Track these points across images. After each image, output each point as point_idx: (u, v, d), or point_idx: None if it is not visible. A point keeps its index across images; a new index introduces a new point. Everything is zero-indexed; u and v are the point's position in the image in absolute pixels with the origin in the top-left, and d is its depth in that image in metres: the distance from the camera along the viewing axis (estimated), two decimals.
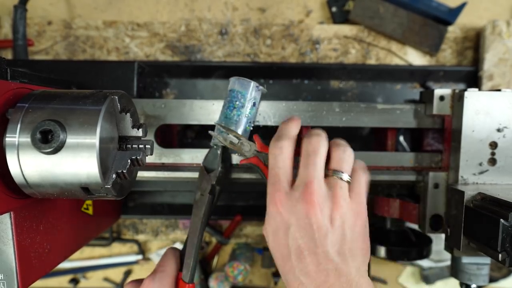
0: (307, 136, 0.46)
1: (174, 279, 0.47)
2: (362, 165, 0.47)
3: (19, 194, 0.40)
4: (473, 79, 0.75)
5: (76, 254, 0.84)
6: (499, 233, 0.41)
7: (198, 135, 0.76)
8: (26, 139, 0.37)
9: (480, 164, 0.53)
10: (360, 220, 0.43)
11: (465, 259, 0.55)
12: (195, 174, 0.58)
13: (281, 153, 0.45)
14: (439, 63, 0.77)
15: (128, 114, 0.43)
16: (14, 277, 0.42)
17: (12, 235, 0.41)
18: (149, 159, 0.58)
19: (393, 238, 0.65)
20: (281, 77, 0.76)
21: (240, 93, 0.52)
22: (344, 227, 0.42)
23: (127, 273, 0.86)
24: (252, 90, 0.52)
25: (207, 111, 0.58)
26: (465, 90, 0.53)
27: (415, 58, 0.77)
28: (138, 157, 0.41)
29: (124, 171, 0.40)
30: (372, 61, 0.77)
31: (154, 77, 0.75)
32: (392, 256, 0.63)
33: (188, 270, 0.47)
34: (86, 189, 0.39)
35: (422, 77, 0.75)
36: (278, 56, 0.77)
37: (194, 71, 0.74)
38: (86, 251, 0.85)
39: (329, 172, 0.44)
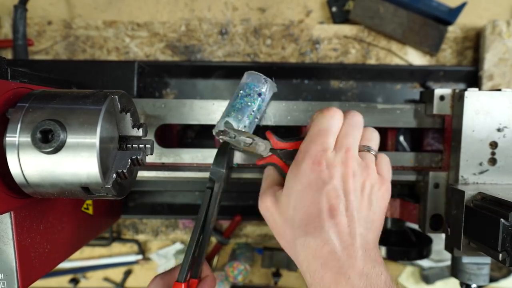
0: (349, 112, 0.49)
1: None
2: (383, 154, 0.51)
3: (19, 194, 0.40)
4: (473, 79, 0.75)
5: (76, 254, 0.84)
6: (499, 233, 0.41)
7: (198, 135, 0.76)
8: (26, 138, 0.37)
9: (480, 164, 0.53)
10: (385, 197, 0.46)
11: (465, 259, 0.55)
12: (195, 174, 0.58)
13: (334, 117, 0.47)
14: (439, 63, 0.77)
15: (128, 114, 0.43)
16: (14, 277, 0.42)
17: (12, 235, 0.41)
18: (149, 159, 0.58)
19: (393, 238, 0.65)
20: (281, 77, 0.76)
21: (247, 84, 0.52)
22: (372, 197, 0.44)
23: (127, 273, 0.86)
24: (258, 81, 0.52)
25: (207, 111, 0.58)
26: (465, 90, 0.53)
27: (415, 58, 0.77)
28: (138, 157, 0.41)
29: (124, 170, 0.40)
30: (372, 61, 0.77)
31: (154, 77, 0.75)
32: (392, 256, 0.63)
33: (182, 270, 0.47)
34: (86, 188, 0.39)
35: (422, 77, 0.75)
36: (278, 56, 0.77)
37: (194, 71, 0.74)
38: (86, 251, 0.85)
39: (361, 147, 0.47)
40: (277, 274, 0.83)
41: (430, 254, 0.64)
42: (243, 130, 0.51)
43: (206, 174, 0.58)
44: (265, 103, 0.53)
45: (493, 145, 0.53)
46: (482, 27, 0.74)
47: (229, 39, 0.77)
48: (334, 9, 0.78)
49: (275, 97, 0.75)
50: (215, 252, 0.83)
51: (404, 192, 0.66)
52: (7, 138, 0.37)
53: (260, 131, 0.74)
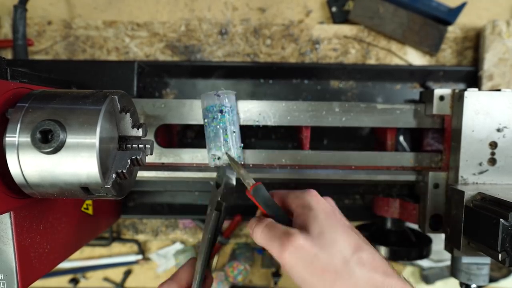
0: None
1: None
2: None
3: (19, 194, 0.40)
4: (473, 79, 0.75)
5: (76, 254, 0.84)
6: (499, 233, 0.41)
7: (198, 135, 0.76)
8: (26, 139, 0.37)
9: (480, 164, 0.53)
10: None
11: (465, 259, 0.55)
12: (195, 174, 0.58)
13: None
14: (439, 63, 0.77)
15: (128, 114, 0.43)
16: (14, 277, 0.42)
17: (12, 235, 0.41)
18: (149, 159, 0.58)
19: (393, 238, 0.65)
20: (281, 77, 0.76)
21: (206, 109, 0.54)
22: None
23: (127, 273, 0.86)
24: (213, 100, 0.53)
25: None
26: (465, 90, 0.53)
27: (415, 58, 0.77)
28: (138, 157, 0.41)
29: (124, 171, 0.40)
30: (372, 61, 0.77)
31: (154, 77, 0.75)
32: (392, 256, 0.63)
33: (194, 284, 0.47)
34: (86, 189, 0.39)
35: (422, 77, 0.75)
36: (278, 56, 0.77)
37: (194, 71, 0.74)
38: (86, 251, 0.85)
39: None
40: (277, 274, 0.83)
41: (430, 254, 0.64)
42: (228, 149, 0.53)
43: (206, 174, 0.58)
44: (233, 113, 0.54)
45: (493, 145, 0.53)
46: (482, 27, 0.74)
47: (229, 39, 0.77)
48: (334, 9, 0.78)
49: (275, 97, 0.76)
50: (215, 252, 0.83)
51: (404, 192, 0.66)
52: (6, 138, 0.37)
53: (261, 131, 0.74)
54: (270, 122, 0.58)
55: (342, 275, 0.38)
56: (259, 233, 0.45)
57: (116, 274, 0.86)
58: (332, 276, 0.38)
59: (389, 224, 0.66)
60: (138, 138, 0.44)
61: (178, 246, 0.83)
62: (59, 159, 0.37)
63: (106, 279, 0.86)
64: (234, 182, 0.51)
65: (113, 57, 0.76)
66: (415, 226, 0.67)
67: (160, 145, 0.58)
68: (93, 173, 0.37)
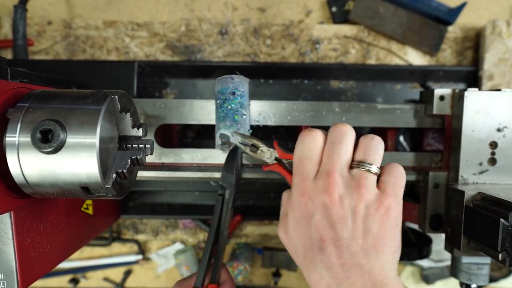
0: (333, 126, 0.43)
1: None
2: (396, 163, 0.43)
3: (19, 194, 0.40)
4: (473, 79, 0.75)
5: (76, 254, 0.84)
6: (499, 233, 0.41)
7: (198, 135, 0.76)
8: (26, 138, 0.37)
9: (480, 164, 0.53)
10: (389, 215, 0.39)
11: (465, 259, 0.54)
12: (195, 174, 0.58)
13: (313, 141, 0.42)
14: (439, 63, 0.77)
15: (128, 114, 0.43)
16: (14, 277, 0.42)
17: (12, 235, 0.41)
18: (149, 159, 0.58)
19: None
20: (281, 77, 0.76)
21: (219, 91, 0.54)
22: (368, 221, 0.39)
23: (127, 273, 0.86)
24: (227, 83, 0.53)
25: (207, 111, 0.58)
26: (465, 90, 0.53)
27: (415, 58, 0.77)
28: (138, 157, 0.41)
29: (124, 170, 0.40)
30: (372, 61, 0.77)
31: (154, 77, 0.75)
32: None
33: (199, 276, 0.48)
34: (86, 188, 0.39)
35: (422, 77, 0.75)
36: (278, 56, 0.77)
37: (194, 71, 0.74)
38: (86, 251, 0.85)
39: (354, 163, 0.41)
40: (277, 274, 0.83)
41: (430, 254, 0.64)
42: (238, 132, 0.52)
43: (206, 174, 0.58)
44: (244, 98, 0.54)
45: (493, 145, 0.53)
46: (482, 27, 0.74)
47: (229, 39, 0.77)
48: (334, 9, 0.78)
49: (275, 97, 0.76)
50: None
51: (404, 192, 0.66)
52: (7, 138, 0.37)
53: (261, 131, 0.74)
54: (270, 122, 0.58)
55: (309, 266, 0.40)
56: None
57: (116, 274, 0.86)
58: (303, 264, 0.42)
59: None
60: (138, 138, 0.44)
61: (178, 246, 0.83)
62: (59, 159, 0.37)
63: (106, 279, 0.86)
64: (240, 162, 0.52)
65: (113, 57, 0.76)
66: (415, 226, 0.67)
67: (160, 145, 0.58)
68: (93, 173, 0.37)
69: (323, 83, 0.77)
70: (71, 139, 0.37)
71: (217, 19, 0.79)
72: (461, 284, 0.56)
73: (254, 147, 0.49)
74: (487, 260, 0.54)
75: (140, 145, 0.43)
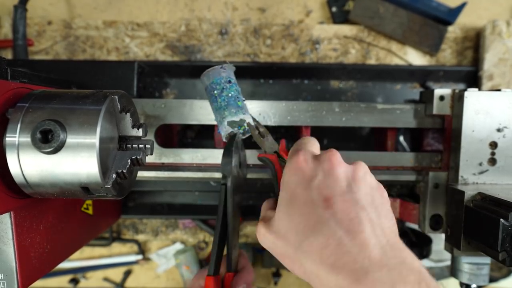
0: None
1: None
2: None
3: (19, 194, 0.40)
4: (473, 79, 0.75)
5: (76, 254, 0.84)
6: (499, 233, 0.41)
7: (198, 135, 0.76)
8: (26, 139, 0.37)
9: (480, 164, 0.53)
10: (384, 192, 0.40)
11: (465, 259, 0.55)
12: (195, 174, 0.58)
13: (312, 140, 0.46)
14: (439, 63, 0.77)
15: (128, 114, 0.43)
16: (14, 277, 0.42)
17: (12, 235, 0.41)
18: (149, 159, 0.58)
19: None
20: (281, 77, 0.76)
21: (214, 83, 0.54)
22: (368, 183, 0.39)
23: (127, 273, 0.86)
24: (219, 74, 0.54)
25: (207, 111, 0.58)
26: (465, 90, 0.53)
27: (415, 58, 0.77)
28: (138, 157, 0.41)
29: (124, 170, 0.40)
30: (372, 61, 0.77)
31: (154, 77, 0.75)
32: None
33: (211, 264, 0.48)
34: (86, 188, 0.39)
35: (422, 77, 0.75)
36: (278, 56, 0.77)
37: (194, 71, 0.74)
38: (86, 251, 0.85)
39: None
40: (277, 274, 0.83)
41: (430, 254, 0.64)
42: (244, 117, 0.53)
43: (206, 174, 0.58)
44: (237, 84, 0.55)
45: (493, 145, 0.53)
46: (482, 27, 0.74)
47: (229, 39, 0.77)
48: (334, 9, 0.78)
49: (275, 97, 0.76)
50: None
51: (404, 192, 0.66)
52: (7, 138, 0.37)
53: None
54: (270, 122, 0.58)
55: (295, 263, 0.38)
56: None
57: (116, 274, 0.86)
58: (289, 263, 0.39)
59: None
60: (138, 138, 0.44)
61: (178, 246, 0.83)
62: (59, 159, 0.37)
63: (106, 279, 0.86)
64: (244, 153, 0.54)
65: (113, 57, 0.76)
66: (415, 226, 0.67)
67: (160, 145, 0.58)
68: (93, 173, 0.37)
69: (323, 83, 0.77)
70: (71, 139, 0.37)
71: (217, 19, 0.79)
72: (461, 284, 0.56)
73: (261, 134, 0.52)
74: (487, 260, 0.54)
75: (140, 145, 0.43)
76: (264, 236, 0.42)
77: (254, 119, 0.54)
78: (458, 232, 0.50)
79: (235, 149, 0.51)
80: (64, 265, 0.84)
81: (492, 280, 0.82)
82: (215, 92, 0.53)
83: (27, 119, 0.37)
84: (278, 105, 0.58)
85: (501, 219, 0.41)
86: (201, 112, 0.58)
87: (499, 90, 0.53)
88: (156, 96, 0.75)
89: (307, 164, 0.40)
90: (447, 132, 0.56)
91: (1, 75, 0.40)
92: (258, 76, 0.75)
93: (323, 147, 0.45)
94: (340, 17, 0.78)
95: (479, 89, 0.53)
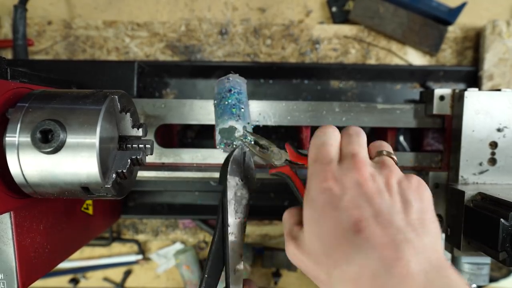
0: (346, 127, 0.43)
1: None
2: None
3: (19, 194, 0.40)
4: (473, 79, 0.75)
5: (76, 254, 0.84)
6: (499, 233, 0.41)
7: (198, 135, 0.76)
8: (26, 138, 0.37)
9: (480, 164, 0.53)
10: (424, 188, 0.37)
11: (465, 259, 0.54)
12: (195, 174, 0.58)
13: (333, 131, 0.41)
14: (439, 63, 0.77)
15: (128, 114, 0.43)
16: (14, 277, 0.42)
17: (12, 235, 0.41)
18: (149, 159, 0.58)
19: None
20: (281, 77, 0.76)
21: (217, 93, 0.54)
22: (405, 193, 0.36)
23: (127, 273, 0.86)
24: (223, 84, 0.53)
25: (207, 111, 0.58)
26: (465, 90, 0.53)
27: (415, 58, 0.77)
28: (138, 157, 0.41)
29: (124, 170, 0.40)
30: (372, 61, 0.77)
31: (154, 77, 0.75)
32: None
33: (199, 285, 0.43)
34: (86, 188, 0.39)
35: (422, 77, 0.75)
36: (278, 56, 0.77)
37: (194, 71, 0.74)
38: (86, 251, 0.85)
39: (372, 154, 0.41)
40: (277, 274, 0.83)
41: None
42: (235, 124, 0.51)
43: (206, 174, 0.58)
44: (242, 95, 0.54)
45: (493, 145, 0.53)
46: (482, 27, 0.74)
47: (229, 39, 0.77)
48: (334, 9, 0.78)
49: (275, 97, 0.76)
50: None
51: None
52: (7, 138, 0.37)
53: (261, 131, 0.74)
54: (270, 122, 0.58)
55: (340, 262, 0.34)
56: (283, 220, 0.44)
57: (116, 274, 0.86)
58: (321, 285, 0.37)
59: None
60: (138, 138, 0.44)
61: (178, 246, 0.83)
62: (59, 159, 0.37)
63: (106, 279, 0.86)
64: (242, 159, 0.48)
65: (113, 57, 0.76)
66: None
67: (160, 145, 0.58)
68: (93, 173, 0.37)
69: (323, 83, 0.77)
70: (71, 139, 0.37)
71: (217, 19, 0.79)
72: None
73: (264, 148, 0.47)
74: (487, 260, 0.54)
75: (140, 145, 0.43)
76: (295, 256, 0.40)
77: (251, 133, 0.49)
78: (458, 232, 0.49)
79: (237, 167, 0.46)
80: (64, 265, 0.84)
81: (492, 280, 0.82)
82: (215, 101, 0.54)
83: (27, 119, 0.37)
84: (278, 105, 0.58)
85: (501, 219, 0.41)
86: (201, 112, 0.58)
87: (499, 90, 0.53)
88: (156, 96, 0.75)
89: (331, 180, 0.37)
90: (447, 132, 0.56)
91: (1, 75, 0.40)
92: (258, 76, 0.75)
93: None
94: (340, 17, 0.78)
95: (479, 89, 0.53)
